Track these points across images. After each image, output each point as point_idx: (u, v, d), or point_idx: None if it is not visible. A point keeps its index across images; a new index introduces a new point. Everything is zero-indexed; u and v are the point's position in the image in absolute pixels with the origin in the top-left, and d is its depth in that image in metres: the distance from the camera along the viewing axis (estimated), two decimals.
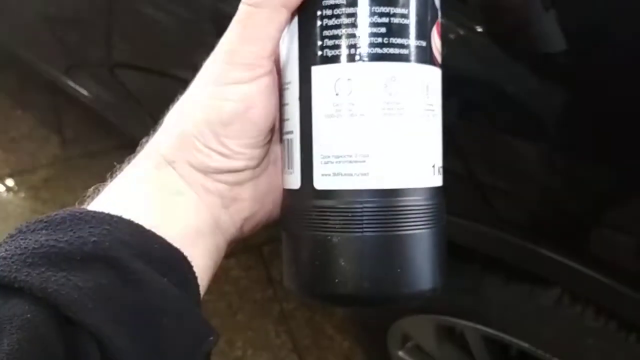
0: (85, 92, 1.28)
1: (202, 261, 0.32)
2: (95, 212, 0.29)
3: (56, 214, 0.29)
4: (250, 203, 0.35)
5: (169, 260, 0.30)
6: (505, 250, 0.63)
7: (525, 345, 0.71)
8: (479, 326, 0.75)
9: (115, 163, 0.35)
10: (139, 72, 1.02)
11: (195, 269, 0.31)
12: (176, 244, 0.30)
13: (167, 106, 0.35)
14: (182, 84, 0.35)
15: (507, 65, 0.52)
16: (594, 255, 0.56)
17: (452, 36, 0.52)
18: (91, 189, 0.33)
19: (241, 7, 0.31)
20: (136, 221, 0.30)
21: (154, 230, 0.30)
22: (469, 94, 0.54)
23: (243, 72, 0.31)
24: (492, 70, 0.53)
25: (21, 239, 0.27)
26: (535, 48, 0.48)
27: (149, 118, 1.05)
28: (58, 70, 1.34)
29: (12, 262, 0.26)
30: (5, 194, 1.59)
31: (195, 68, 0.34)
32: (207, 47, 0.34)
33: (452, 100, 0.51)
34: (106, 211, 0.30)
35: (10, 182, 1.60)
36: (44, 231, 0.28)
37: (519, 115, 0.53)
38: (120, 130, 1.30)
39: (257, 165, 0.34)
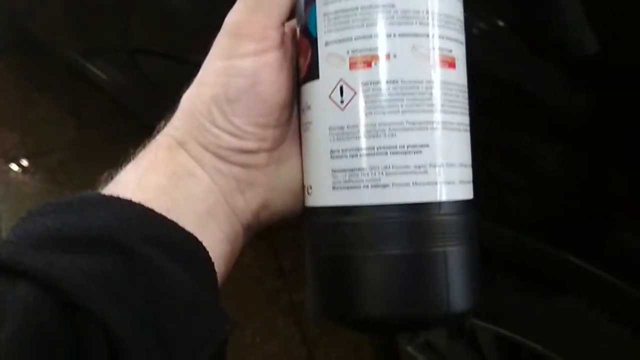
0: (103, 76, 1.28)
1: (218, 245, 0.31)
2: (104, 196, 0.29)
3: (65, 198, 0.28)
4: (266, 190, 0.33)
5: (179, 243, 0.29)
6: (521, 252, 0.62)
7: (539, 347, 0.70)
8: (491, 326, 0.74)
9: (130, 149, 0.34)
10: (157, 57, 1.02)
11: (211, 253, 0.30)
12: (188, 227, 0.29)
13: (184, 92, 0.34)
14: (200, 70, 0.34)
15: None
16: (612, 260, 0.55)
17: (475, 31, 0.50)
18: (105, 174, 0.32)
19: None
20: (147, 205, 0.29)
21: (164, 213, 0.29)
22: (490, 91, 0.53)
23: (249, 45, 0.30)
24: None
25: (29, 223, 0.27)
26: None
27: (166, 103, 1.05)
28: (76, 54, 1.34)
29: (19, 246, 0.26)
30: (21, 176, 1.60)
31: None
32: None
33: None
34: (116, 195, 0.29)
35: (26, 163, 1.61)
36: (52, 215, 0.27)
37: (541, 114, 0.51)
38: (137, 114, 1.29)
39: (273, 149, 0.33)
